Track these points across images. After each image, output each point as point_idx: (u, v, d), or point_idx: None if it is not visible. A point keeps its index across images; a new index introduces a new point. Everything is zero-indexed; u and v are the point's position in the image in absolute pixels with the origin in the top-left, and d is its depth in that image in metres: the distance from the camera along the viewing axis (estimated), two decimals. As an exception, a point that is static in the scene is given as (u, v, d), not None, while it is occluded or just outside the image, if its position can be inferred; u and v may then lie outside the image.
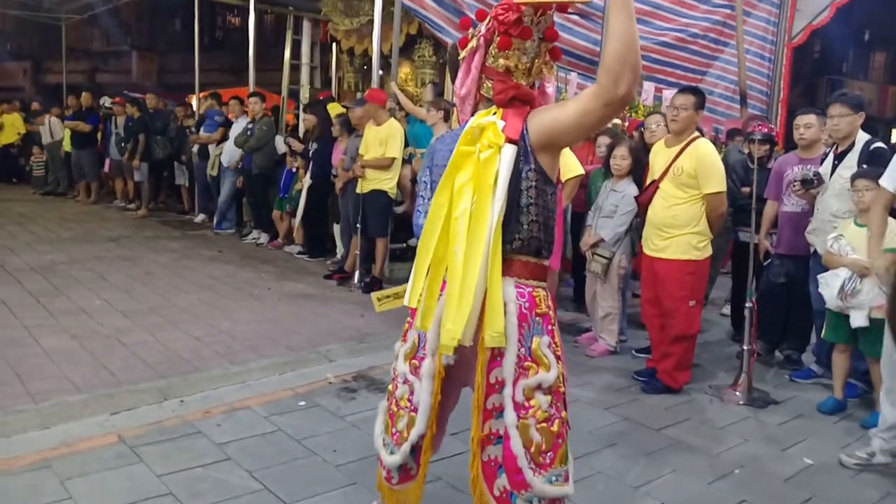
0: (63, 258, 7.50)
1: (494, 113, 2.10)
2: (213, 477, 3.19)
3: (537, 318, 2.11)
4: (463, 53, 2.21)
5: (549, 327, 2.14)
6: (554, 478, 2.09)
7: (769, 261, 5.32)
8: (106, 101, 12.29)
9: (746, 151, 6.09)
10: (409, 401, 2.22)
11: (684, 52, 9.25)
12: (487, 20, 2.13)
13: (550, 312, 2.16)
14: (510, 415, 2.05)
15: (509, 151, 2.01)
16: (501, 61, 2.11)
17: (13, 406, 3.80)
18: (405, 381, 2.25)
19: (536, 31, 2.09)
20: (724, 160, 6.48)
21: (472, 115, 2.18)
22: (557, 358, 2.14)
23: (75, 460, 3.28)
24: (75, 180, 12.54)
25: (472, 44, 2.16)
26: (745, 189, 5.72)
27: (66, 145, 12.27)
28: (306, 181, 7.97)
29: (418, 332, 2.20)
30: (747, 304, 4.59)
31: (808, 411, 4.38)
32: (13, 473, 3.14)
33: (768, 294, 5.22)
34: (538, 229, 2.11)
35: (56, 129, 12.68)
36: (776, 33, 10.26)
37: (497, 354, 2.07)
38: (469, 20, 2.25)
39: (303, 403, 4.09)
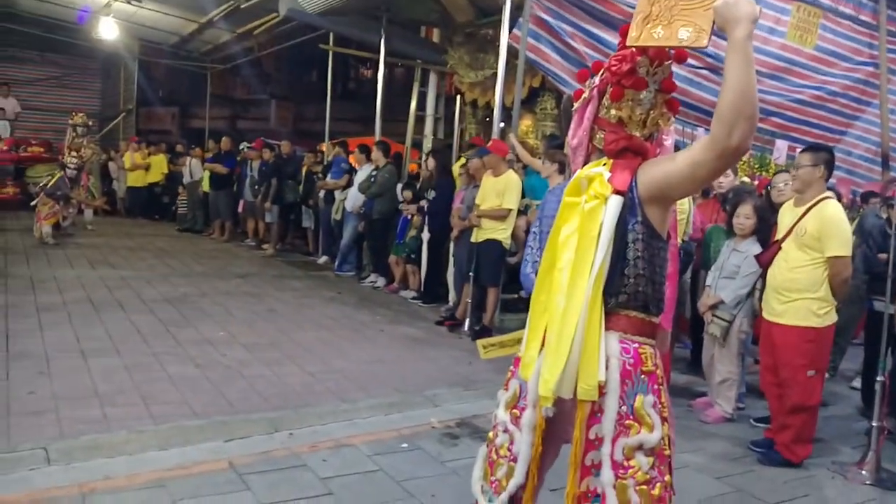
0: (194, 291, 7.94)
1: (604, 164, 2.07)
2: (314, 511, 3.25)
3: (642, 377, 2.03)
4: (577, 105, 2.20)
5: (656, 387, 2.06)
6: None
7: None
8: (245, 145, 13.07)
9: (885, 216, 5.74)
10: (509, 450, 2.19)
11: (822, 110, 8.86)
12: (602, 71, 2.12)
13: (658, 371, 2.08)
14: (607, 473, 1.99)
15: (615, 202, 1.98)
16: (614, 112, 2.09)
17: (136, 426, 4.04)
18: (505, 430, 2.22)
19: (652, 81, 2.07)
20: (860, 224, 6.17)
21: (583, 166, 2.15)
22: (663, 419, 2.05)
23: (188, 482, 3.43)
24: (211, 219, 13.32)
25: (586, 94, 2.16)
26: (882, 255, 5.37)
27: (205, 186, 13.10)
28: (425, 235, 8.14)
29: (520, 381, 2.18)
30: (879, 378, 4.27)
31: (946, 499, 4.00)
32: (132, 489, 3.32)
33: (905, 368, 4.84)
34: (645, 284, 2.06)
35: (196, 170, 13.57)
36: (925, 92, 9.68)
37: (597, 410, 2.01)
38: (587, 72, 2.24)
39: (405, 445, 4.12)
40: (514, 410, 2.19)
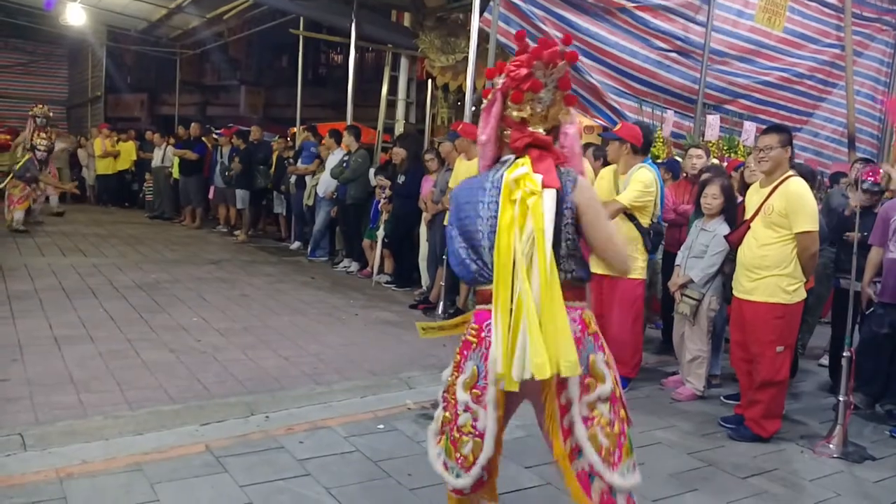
0: (166, 277, 7.89)
1: (522, 164, 2.29)
2: (292, 490, 3.28)
3: (589, 338, 2.32)
4: (484, 104, 2.41)
5: (600, 343, 2.36)
6: (625, 470, 2.31)
7: (871, 310, 5.07)
8: (211, 129, 12.98)
9: (851, 195, 5.87)
10: (474, 427, 2.34)
11: (789, 92, 8.99)
12: (502, 74, 2.34)
13: (598, 329, 2.38)
14: (581, 429, 2.27)
15: (551, 196, 2.22)
16: (516, 113, 2.33)
17: (112, 412, 4.03)
18: (466, 409, 2.36)
19: (549, 81, 2.31)
20: (827, 203, 6.30)
21: (494, 160, 2.43)
22: (608, 367, 2.35)
23: (165, 466, 3.44)
24: (182, 206, 13.21)
25: (490, 97, 2.38)
26: (850, 234, 5.48)
27: (175, 172, 12.97)
28: (384, 214, 8.18)
29: (477, 363, 2.33)
30: (845, 354, 4.38)
31: (909, 469, 4.13)
32: (109, 473, 3.33)
33: (870, 344, 4.97)
34: (578, 258, 2.35)
35: (167, 156, 13.42)
36: (890, 74, 9.84)
37: (562, 378, 2.20)
38: (494, 70, 2.45)
39: (382, 427, 4.16)
40: (475, 390, 2.33)
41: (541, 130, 2.34)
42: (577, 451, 2.30)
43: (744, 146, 8.05)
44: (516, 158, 2.33)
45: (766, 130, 4.52)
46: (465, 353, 2.41)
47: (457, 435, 2.39)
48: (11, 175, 10.73)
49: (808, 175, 4.62)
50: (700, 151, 6.36)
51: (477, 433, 2.33)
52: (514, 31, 7.25)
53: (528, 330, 2.10)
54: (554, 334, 2.10)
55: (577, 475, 2.31)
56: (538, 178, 2.22)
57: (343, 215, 9.46)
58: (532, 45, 2.34)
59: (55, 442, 3.58)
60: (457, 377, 2.41)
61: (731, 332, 4.77)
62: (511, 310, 2.15)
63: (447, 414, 2.45)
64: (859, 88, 9.47)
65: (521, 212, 2.19)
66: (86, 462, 3.41)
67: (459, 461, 2.39)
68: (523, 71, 2.26)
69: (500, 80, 2.34)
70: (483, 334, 2.33)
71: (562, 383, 2.25)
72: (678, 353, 5.41)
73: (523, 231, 2.17)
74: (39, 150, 11.02)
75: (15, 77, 20.09)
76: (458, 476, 2.40)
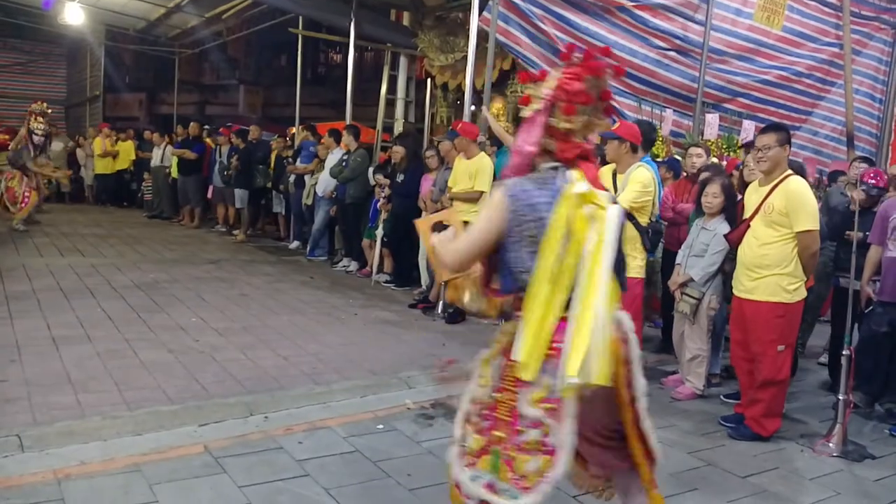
0: (165, 277, 7.88)
1: (581, 180, 2.29)
2: (291, 491, 3.27)
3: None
4: (525, 111, 2.35)
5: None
6: None
7: (871, 308, 5.07)
8: (207, 128, 12.97)
9: (849, 194, 5.86)
10: (544, 443, 2.22)
11: (788, 91, 9.00)
12: (552, 83, 2.30)
13: None
14: (647, 422, 2.48)
15: (618, 210, 2.27)
16: (564, 124, 2.29)
17: (111, 412, 4.01)
18: (536, 425, 2.22)
19: (595, 94, 2.31)
20: (826, 202, 6.29)
21: (529, 167, 2.37)
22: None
23: (164, 466, 3.43)
24: (180, 205, 13.19)
25: (536, 105, 2.32)
26: (850, 234, 5.47)
27: (174, 172, 12.95)
28: (383, 213, 8.18)
29: (549, 376, 2.18)
30: (844, 352, 4.38)
31: (909, 468, 4.12)
32: (107, 474, 3.32)
33: (870, 343, 4.96)
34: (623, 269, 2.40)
35: (166, 156, 13.39)
36: (889, 73, 9.84)
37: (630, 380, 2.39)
38: (528, 74, 2.46)
39: (381, 427, 4.15)
40: (548, 404, 2.20)
41: (582, 140, 2.34)
42: (652, 457, 2.48)
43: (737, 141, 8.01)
44: (564, 168, 2.32)
45: (763, 130, 4.51)
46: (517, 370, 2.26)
47: (513, 454, 2.25)
48: (7, 160, 10.60)
49: (799, 171, 4.61)
50: (700, 150, 6.36)
51: (547, 449, 2.21)
52: (513, 30, 7.27)
53: (597, 338, 2.10)
54: (613, 343, 2.18)
55: (652, 480, 2.49)
56: (603, 194, 2.27)
57: (342, 214, 9.44)
58: (578, 55, 2.33)
59: (53, 443, 3.57)
60: (525, 393, 2.24)
61: (731, 331, 4.76)
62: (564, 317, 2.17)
63: (499, 433, 2.29)
64: (858, 87, 9.47)
65: (590, 226, 2.20)
66: (84, 463, 3.40)
67: (516, 481, 2.24)
68: (577, 85, 2.26)
69: (545, 90, 2.31)
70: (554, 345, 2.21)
71: (629, 385, 2.36)
72: (678, 352, 5.40)
73: (589, 243, 2.19)
74: (37, 134, 10.86)
75: (13, 76, 20.09)
76: (514, 497, 2.23)
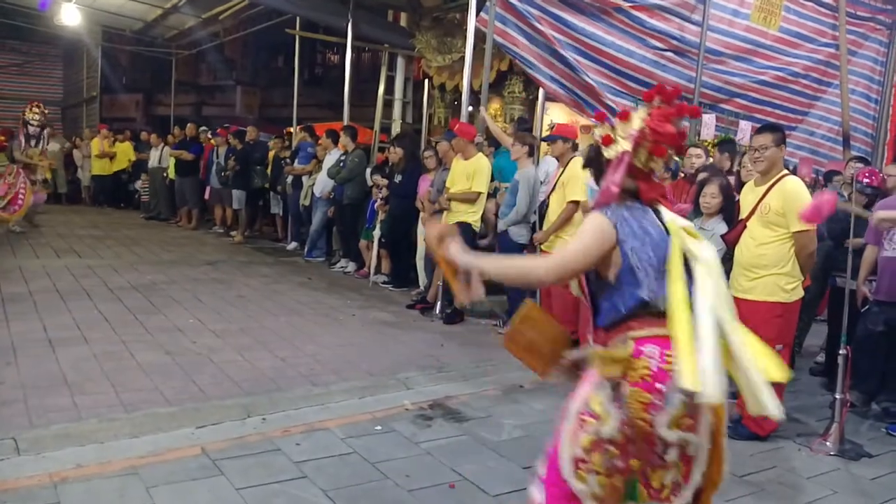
0: (162, 279, 7.86)
1: (667, 216, 2.32)
2: (289, 493, 3.27)
3: None
4: (609, 152, 2.31)
5: None
6: None
7: (867, 307, 5.07)
8: (204, 130, 12.96)
9: (846, 193, 5.86)
10: (683, 458, 2.22)
11: (784, 91, 9.00)
12: (638, 123, 2.24)
13: None
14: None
15: (709, 246, 2.28)
16: (651, 165, 2.29)
17: (107, 414, 4.00)
18: (673, 444, 2.18)
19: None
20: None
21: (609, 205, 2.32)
22: None
23: (161, 469, 3.42)
24: (178, 206, 13.17)
25: (622, 146, 2.27)
26: (857, 241, 5.43)
27: (171, 173, 12.93)
28: (381, 214, 8.17)
29: (682, 393, 2.11)
30: (841, 352, 4.38)
31: (906, 467, 4.13)
32: (104, 477, 3.31)
33: (866, 342, 4.96)
34: None
35: (164, 157, 13.38)
36: (884, 73, 9.86)
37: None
38: (604, 115, 2.46)
39: (379, 428, 4.14)
40: (687, 419, 2.17)
41: (658, 179, 2.36)
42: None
43: (739, 145, 7.99)
44: (645, 204, 2.33)
45: (759, 130, 4.51)
46: (662, 384, 2.15)
47: (651, 472, 2.23)
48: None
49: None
50: (699, 151, 6.37)
51: (685, 461, 2.23)
52: (510, 31, 7.27)
53: (717, 356, 2.06)
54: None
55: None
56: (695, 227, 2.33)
57: (340, 215, 9.44)
58: (660, 97, 2.26)
59: (49, 445, 3.56)
60: (659, 417, 2.15)
61: (728, 331, 4.74)
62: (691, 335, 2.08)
63: (635, 462, 2.21)
64: (854, 87, 9.49)
65: (697, 257, 2.21)
66: (80, 466, 3.39)
67: (653, 492, 2.23)
68: (668, 127, 2.22)
69: (630, 130, 2.26)
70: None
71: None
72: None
73: (699, 273, 2.19)
74: (31, 124, 10.79)
75: (9, 78, 20.04)
76: None
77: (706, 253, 2.22)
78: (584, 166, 2.51)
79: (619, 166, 2.26)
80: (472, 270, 2.26)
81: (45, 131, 11.33)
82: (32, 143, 10.87)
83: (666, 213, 2.33)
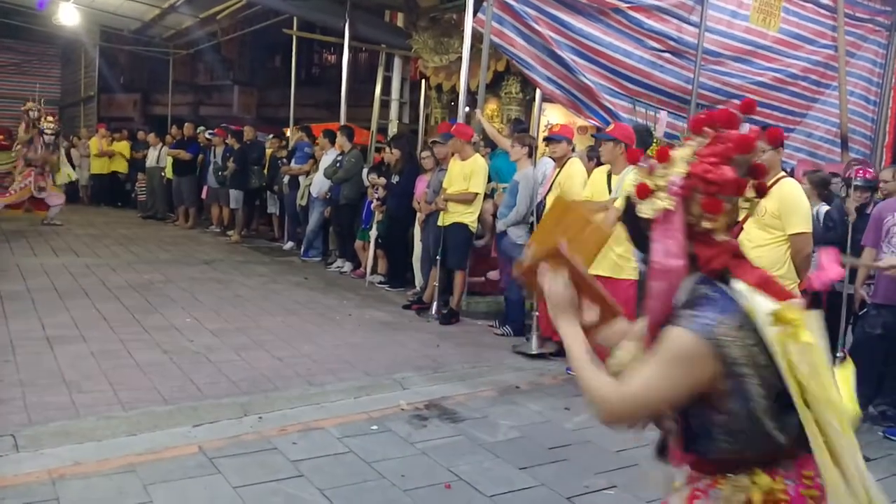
0: (159, 278, 7.87)
1: (754, 291, 1.65)
2: (286, 492, 3.28)
3: None
4: (647, 209, 1.66)
5: None
6: None
7: (864, 311, 5.09)
8: (202, 130, 12.95)
9: (844, 195, 5.88)
10: None
11: (783, 93, 9.01)
12: (683, 167, 1.62)
13: None
14: None
15: (815, 317, 1.65)
16: (707, 224, 1.62)
17: (105, 412, 4.02)
18: None
19: (743, 171, 1.64)
20: (820, 204, 6.31)
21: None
22: None
23: (158, 467, 3.43)
24: (175, 206, 13.17)
25: (666, 204, 1.62)
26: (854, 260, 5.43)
27: (169, 172, 12.94)
28: (377, 214, 8.20)
29: None
30: (838, 355, 4.40)
31: (901, 469, 4.14)
32: (102, 475, 3.32)
33: (863, 346, 4.98)
34: None
35: (161, 156, 13.39)
36: (883, 75, 9.88)
37: None
38: (640, 153, 1.89)
39: (375, 428, 4.15)
40: None
41: (727, 235, 1.66)
42: None
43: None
44: (711, 277, 1.65)
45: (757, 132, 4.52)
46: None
47: None
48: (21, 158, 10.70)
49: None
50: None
51: None
52: (507, 32, 7.28)
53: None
54: None
55: None
56: (796, 304, 1.62)
57: (336, 215, 9.45)
58: (713, 125, 1.65)
59: (48, 443, 3.57)
60: None
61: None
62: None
63: None
64: (852, 89, 9.50)
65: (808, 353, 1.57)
66: (78, 463, 3.40)
67: None
68: (725, 172, 1.57)
69: (674, 177, 1.61)
70: (819, 482, 1.66)
71: None
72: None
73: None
74: (47, 133, 10.95)
75: (7, 77, 20.01)
76: None
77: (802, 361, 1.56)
78: (619, 221, 1.97)
79: (668, 230, 1.62)
80: (562, 335, 1.80)
81: (59, 138, 11.51)
82: (49, 150, 11.13)
83: (741, 288, 1.62)
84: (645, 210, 1.67)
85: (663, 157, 1.67)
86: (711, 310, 1.58)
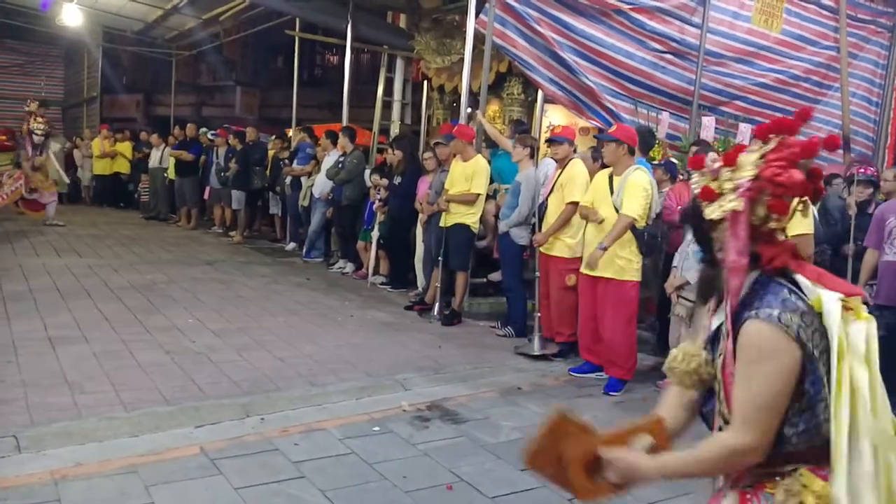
0: (162, 278, 7.88)
1: (816, 285, 1.72)
2: (287, 493, 3.28)
3: None
4: (714, 211, 1.73)
5: None
6: None
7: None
8: (205, 130, 12.98)
9: (846, 196, 5.88)
10: None
11: (785, 94, 9.00)
12: (750, 171, 1.69)
13: None
14: None
15: (868, 328, 1.71)
16: (773, 224, 1.71)
17: (107, 413, 4.02)
18: None
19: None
20: (823, 205, 6.31)
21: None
22: None
23: (160, 468, 3.44)
24: (177, 206, 13.19)
25: (734, 205, 1.70)
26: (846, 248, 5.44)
27: (171, 173, 12.96)
28: (379, 215, 8.20)
29: None
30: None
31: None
32: (104, 476, 3.33)
33: (864, 346, 4.97)
34: None
35: (164, 157, 13.41)
36: (885, 76, 9.87)
37: None
38: (702, 159, 1.88)
39: (377, 429, 4.16)
40: None
41: (784, 234, 1.77)
42: None
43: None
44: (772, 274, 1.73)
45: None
46: None
47: None
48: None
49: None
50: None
51: None
52: (509, 33, 7.28)
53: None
54: None
55: None
56: (858, 302, 1.68)
57: (338, 216, 9.46)
58: (778, 132, 1.72)
59: (50, 444, 3.58)
60: None
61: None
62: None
63: None
64: (854, 90, 9.49)
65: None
66: (80, 464, 3.41)
67: None
68: (794, 175, 1.65)
69: (741, 180, 1.70)
70: None
71: None
72: (674, 355, 5.38)
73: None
74: (36, 134, 10.96)
75: (11, 78, 20.06)
76: None
77: (860, 339, 1.63)
78: (681, 221, 2.03)
79: (736, 229, 1.70)
80: (651, 478, 1.80)
81: (48, 139, 11.52)
82: (37, 152, 11.11)
83: (806, 284, 1.70)
84: (713, 212, 1.74)
85: (730, 162, 1.75)
86: (776, 300, 1.66)
